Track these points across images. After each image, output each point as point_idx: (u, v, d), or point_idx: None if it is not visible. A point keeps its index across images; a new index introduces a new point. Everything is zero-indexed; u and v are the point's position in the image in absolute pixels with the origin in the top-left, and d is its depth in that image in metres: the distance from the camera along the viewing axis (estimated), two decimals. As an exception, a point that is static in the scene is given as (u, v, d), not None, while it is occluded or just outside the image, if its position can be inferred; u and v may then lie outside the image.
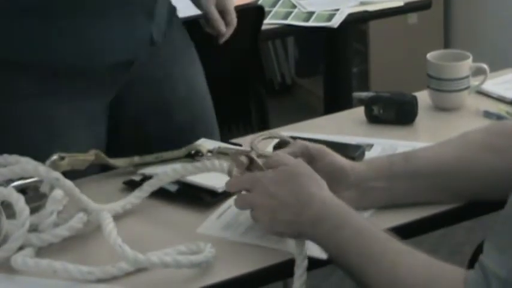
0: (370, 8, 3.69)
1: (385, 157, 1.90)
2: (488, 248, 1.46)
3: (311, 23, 3.62)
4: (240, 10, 2.79)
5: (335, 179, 1.75)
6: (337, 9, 3.62)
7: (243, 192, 1.70)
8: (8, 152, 1.84)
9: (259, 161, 1.71)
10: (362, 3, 3.68)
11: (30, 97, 2.10)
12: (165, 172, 1.87)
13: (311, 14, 3.64)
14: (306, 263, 1.61)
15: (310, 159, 1.76)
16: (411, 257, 1.55)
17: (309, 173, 1.66)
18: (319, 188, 1.63)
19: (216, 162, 1.80)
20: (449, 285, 1.50)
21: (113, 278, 1.61)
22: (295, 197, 1.62)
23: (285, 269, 1.65)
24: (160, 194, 1.86)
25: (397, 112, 2.23)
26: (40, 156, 1.81)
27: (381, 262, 1.55)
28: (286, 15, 3.66)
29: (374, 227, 1.60)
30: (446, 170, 1.79)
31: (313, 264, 1.65)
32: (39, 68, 2.09)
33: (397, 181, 1.79)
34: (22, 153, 1.83)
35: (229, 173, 1.72)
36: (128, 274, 1.62)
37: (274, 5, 3.72)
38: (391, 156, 1.89)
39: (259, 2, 3.59)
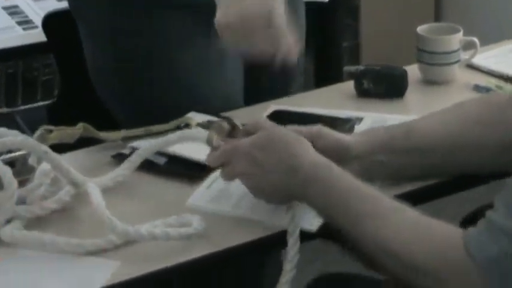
0: (362, -18, 3.68)
1: (384, 130, 1.90)
2: (499, 205, 1.46)
3: (302, -2, 3.60)
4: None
5: (336, 156, 1.74)
6: (328, -15, 3.59)
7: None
8: (179, 104, 1.96)
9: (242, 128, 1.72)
10: (353, -22, 3.67)
11: (198, 42, 2.15)
12: (150, 143, 1.88)
13: (303, -11, 3.65)
14: (298, 232, 1.62)
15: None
16: (401, 215, 1.56)
17: (290, 135, 1.67)
18: (306, 150, 1.64)
19: (198, 130, 1.82)
20: (445, 243, 1.49)
21: (102, 251, 1.62)
22: (283, 161, 1.63)
23: (277, 242, 1.66)
24: (149, 167, 1.87)
25: (387, 86, 2.24)
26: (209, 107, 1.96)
27: (370, 222, 1.56)
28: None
29: (364, 187, 1.61)
30: (444, 146, 1.80)
31: (306, 236, 1.66)
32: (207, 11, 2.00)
33: (397, 156, 1.80)
34: (194, 103, 1.96)
35: (209, 141, 1.71)
36: (117, 247, 1.63)
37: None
38: (389, 129, 1.89)
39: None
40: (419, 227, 1.53)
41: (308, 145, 1.66)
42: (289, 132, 1.69)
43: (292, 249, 1.63)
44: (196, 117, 2.02)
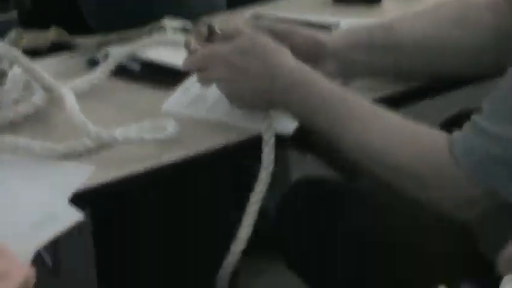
0: None
1: (362, 28, 1.89)
2: (485, 107, 1.48)
3: None
4: None
5: (313, 54, 1.75)
6: None
7: None
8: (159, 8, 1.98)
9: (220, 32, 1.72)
10: None
11: None
12: (124, 48, 1.89)
13: None
14: (273, 141, 1.64)
15: (280, 39, 1.76)
16: (383, 119, 1.58)
17: (270, 43, 1.67)
18: (285, 55, 1.64)
19: (174, 35, 1.85)
20: (430, 146, 1.52)
21: (77, 155, 1.64)
22: (262, 66, 1.63)
23: (251, 148, 1.68)
24: (124, 74, 1.88)
25: (364, -9, 2.22)
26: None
27: (351, 125, 1.57)
28: None
29: (344, 92, 1.62)
30: (423, 45, 1.80)
31: (281, 140, 1.68)
32: None
33: (375, 53, 1.80)
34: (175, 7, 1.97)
35: (187, 45, 1.71)
36: (92, 151, 1.65)
37: None
38: (368, 27, 1.88)
39: None
40: (404, 131, 1.55)
41: (287, 52, 1.65)
42: (269, 39, 1.69)
43: (268, 157, 1.65)
44: (171, 23, 2.01)
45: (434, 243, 1.68)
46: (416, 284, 1.52)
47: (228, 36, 1.68)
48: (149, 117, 1.72)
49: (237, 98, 1.68)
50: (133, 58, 1.88)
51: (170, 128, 1.67)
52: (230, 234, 1.69)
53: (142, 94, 1.85)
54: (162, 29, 1.99)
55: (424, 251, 1.68)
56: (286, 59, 1.64)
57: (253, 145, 1.67)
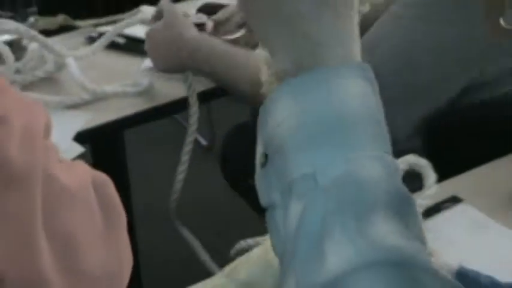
0: None
1: None
2: None
3: None
4: None
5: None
6: None
7: None
8: None
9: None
10: None
11: None
12: (113, 28, 1.88)
13: None
14: (195, 97, 1.68)
15: None
16: (249, 61, 1.59)
17: (177, 20, 1.67)
18: (187, 29, 1.66)
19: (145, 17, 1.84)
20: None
21: (78, 105, 1.69)
22: (170, 38, 1.64)
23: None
24: (113, 46, 1.89)
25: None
26: None
27: (244, 70, 1.59)
28: None
29: (236, 49, 1.66)
30: None
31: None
32: None
33: None
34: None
35: (150, 23, 1.73)
36: (88, 102, 1.70)
37: None
38: None
39: None
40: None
41: (190, 26, 1.67)
42: (178, 18, 1.69)
43: (193, 115, 1.68)
44: (147, 9, 2.00)
45: None
46: None
47: (159, 18, 1.70)
48: (131, 76, 1.78)
49: (157, 65, 1.71)
50: (120, 34, 1.90)
51: (145, 83, 1.73)
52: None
53: (125, 60, 1.88)
54: (139, 12, 1.99)
55: None
56: (189, 31, 1.66)
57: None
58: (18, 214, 0.90)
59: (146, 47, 1.70)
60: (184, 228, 1.79)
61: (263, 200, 0.60)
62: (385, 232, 0.54)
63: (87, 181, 0.94)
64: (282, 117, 0.58)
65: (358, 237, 0.54)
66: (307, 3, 0.60)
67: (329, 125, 0.57)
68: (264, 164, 0.59)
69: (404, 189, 0.58)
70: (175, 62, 1.67)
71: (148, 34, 1.69)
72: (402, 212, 0.57)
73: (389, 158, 0.59)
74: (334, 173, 0.56)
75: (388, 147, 0.60)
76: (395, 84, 1.44)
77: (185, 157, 1.68)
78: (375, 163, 0.57)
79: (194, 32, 1.67)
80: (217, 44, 1.67)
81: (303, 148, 0.57)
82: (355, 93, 0.59)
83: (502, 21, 0.95)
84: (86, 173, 0.97)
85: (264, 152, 0.60)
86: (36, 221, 0.90)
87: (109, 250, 0.96)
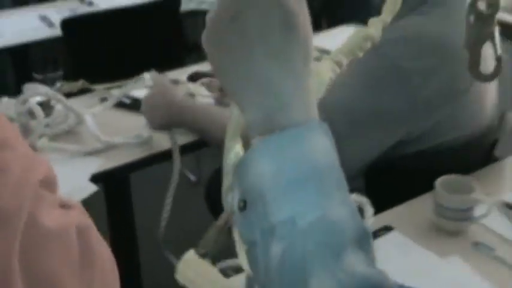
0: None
1: None
2: None
3: None
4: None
5: None
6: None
7: None
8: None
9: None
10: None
11: None
12: (120, 91, 1.89)
13: None
14: (178, 149, 1.65)
15: None
16: (221, 116, 1.59)
17: (167, 86, 1.69)
18: (174, 94, 1.67)
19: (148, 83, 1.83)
20: None
21: (93, 153, 1.72)
22: (161, 103, 1.65)
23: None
24: (121, 105, 1.92)
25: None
26: None
27: (219, 123, 1.54)
28: None
29: (213, 107, 1.69)
30: None
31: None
32: None
33: None
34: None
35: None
36: (101, 150, 1.73)
37: None
38: None
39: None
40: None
41: (177, 92, 1.68)
42: (167, 86, 1.70)
43: (176, 159, 1.65)
44: (147, 76, 1.91)
45: None
46: None
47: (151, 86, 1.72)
48: (134, 130, 1.79)
49: (151, 124, 1.70)
50: (127, 96, 1.92)
51: (145, 136, 1.75)
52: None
53: (130, 117, 1.89)
54: (142, 79, 1.94)
55: None
56: (176, 96, 1.66)
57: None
58: (0, 247, 0.92)
59: (142, 110, 1.71)
60: (170, 253, 1.72)
61: (244, 238, 0.58)
62: (357, 263, 0.54)
63: (71, 225, 0.90)
64: (262, 169, 0.56)
65: (337, 271, 0.53)
66: (275, 68, 0.57)
67: (304, 176, 0.56)
68: (242, 209, 0.57)
69: (363, 224, 0.57)
70: (165, 121, 1.67)
71: (143, 100, 1.70)
72: (365, 244, 0.56)
73: (351, 199, 0.59)
74: (310, 218, 0.54)
75: (347, 190, 0.59)
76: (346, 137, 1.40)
77: (168, 200, 1.66)
78: (342, 207, 0.56)
79: (179, 96, 1.67)
80: (198, 105, 1.67)
81: (282, 196, 0.55)
82: (322, 148, 0.58)
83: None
84: (74, 218, 0.92)
85: (242, 199, 0.57)
86: (13, 257, 0.83)
87: (86, 279, 1.00)
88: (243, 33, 0.57)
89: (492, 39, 1.00)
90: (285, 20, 0.57)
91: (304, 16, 0.59)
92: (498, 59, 0.98)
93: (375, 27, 0.85)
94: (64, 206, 1.00)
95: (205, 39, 0.60)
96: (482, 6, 1.00)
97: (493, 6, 0.98)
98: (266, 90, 0.58)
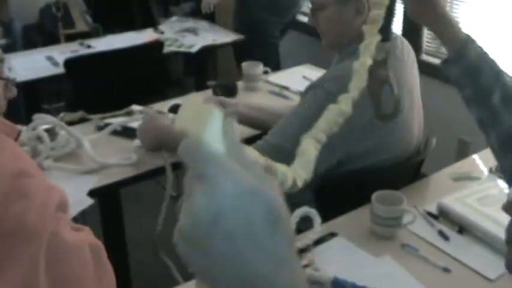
0: None
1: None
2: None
3: None
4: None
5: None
6: None
7: None
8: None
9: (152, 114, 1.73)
10: None
11: None
12: (115, 120, 1.90)
13: None
14: (170, 168, 1.62)
15: None
16: None
17: (154, 116, 1.67)
18: (162, 121, 1.66)
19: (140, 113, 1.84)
20: None
21: (90, 171, 1.69)
22: (150, 127, 1.65)
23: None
24: (114, 132, 1.89)
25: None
26: None
27: None
28: None
29: None
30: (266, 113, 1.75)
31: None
32: None
33: (255, 113, 1.74)
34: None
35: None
36: (97, 170, 1.70)
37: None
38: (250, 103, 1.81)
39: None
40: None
41: (164, 120, 1.66)
42: (156, 115, 1.69)
43: (169, 180, 1.60)
44: (137, 108, 2.02)
45: None
46: None
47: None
48: (125, 153, 1.77)
49: (144, 146, 1.70)
50: (119, 125, 1.90)
51: (134, 158, 1.74)
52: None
53: (122, 142, 1.86)
54: (131, 109, 2.02)
55: None
56: (163, 123, 1.64)
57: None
58: (26, 259, 0.93)
59: (137, 134, 1.71)
60: (163, 254, 1.68)
61: None
62: None
63: (85, 242, 0.99)
64: None
65: None
66: (266, 262, 0.44)
67: None
68: None
69: None
70: (153, 143, 1.68)
71: (138, 127, 1.71)
72: None
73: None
74: None
75: None
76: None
77: (164, 207, 1.59)
78: None
79: (165, 123, 1.66)
80: None
81: None
82: None
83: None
84: (86, 237, 1.03)
85: None
86: (40, 270, 0.93)
87: (98, 285, 0.99)
88: (226, 237, 0.43)
89: (388, 82, 0.95)
90: (266, 214, 0.44)
91: (282, 200, 0.46)
92: (396, 101, 0.95)
93: (345, 103, 0.82)
94: (75, 228, 1.03)
95: (182, 243, 0.44)
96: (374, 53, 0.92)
97: (383, 51, 0.93)
98: (261, 285, 0.44)
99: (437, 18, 1.05)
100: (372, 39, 0.89)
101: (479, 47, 1.05)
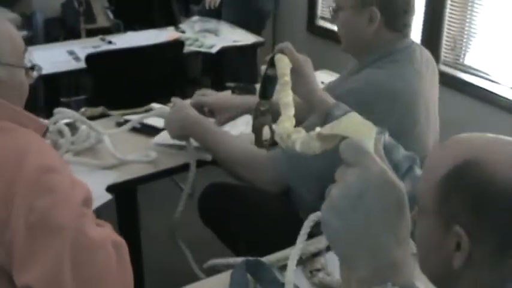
0: None
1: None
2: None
3: None
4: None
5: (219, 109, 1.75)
6: None
7: None
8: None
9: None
10: None
11: None
12: (134, 117, 1.90)
13: None
14: (195, 162, 1.67)
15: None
16: (238, 141, 1.61)
17: (183, 106, 1.66)
18: (190, 110, 1.66)
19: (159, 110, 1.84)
20: (260, 159, 1.53)
21: (109, 167, 1.71)
22: (178, 116, 1.63)
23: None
24: (133, 129, 1.90)
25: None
26: None
27: (218, 146, 1.58)
28: None
29: (218, 129, 1.65)
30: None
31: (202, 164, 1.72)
32: None
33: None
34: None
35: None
36: (116, 165, 1.72)
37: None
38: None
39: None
40: (242, 148, 1.56)
41: (192, 111, 1.64)
42: (186, 104, 1.67)
43: (191, 175, 1.64)
44: (156, 106, 2.03)
45: (280, 219, 1.59)
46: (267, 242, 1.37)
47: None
48: (143, 150, 1.79)
49: (171, 134, 1.67)
50: (138, 122, 1.90)
51: (153, 155, 1.75)
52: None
53: (141, 139, 1.88)
54: (151, 107, 2.03)
55: (271, 221, 1.61)
56: (191, 112, 1.64)
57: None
58: (49, 255, 0.95)
59: (164, 123, 1.69)
60: (182, 242, 1.77)
61: None
62: None
63: (108, 238, 1.02)
64: None
65: None
66: (391, 238, 0.58)
67: None
68: None
69: None
70: (179, 132, 1.66)
71: (166, 116, 1.69)
72: None
73: None
74: None
75: None
76: (314, 170, 1.44)
77: (183, 198, 1.68)
78: None
79: (193, 114, 1.66)
80: (209, 125, 1.64)
81: None
82: None
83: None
84: (110, 234, 1.05)
85: None
86: (65, 265, 0.95)
87: (121, 281, 1.02)
88: (366, 209, 0.57)
89: (269, 125, 1.46)
90: (398, 200, 0.58)
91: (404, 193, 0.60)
92: (271, 137, 1.40)
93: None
94: (98, 224, 1.05)
95: (329, 210, 0.59)
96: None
97: (266, 105, 1.46)
98: (380, 254, 0.58)
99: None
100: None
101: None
